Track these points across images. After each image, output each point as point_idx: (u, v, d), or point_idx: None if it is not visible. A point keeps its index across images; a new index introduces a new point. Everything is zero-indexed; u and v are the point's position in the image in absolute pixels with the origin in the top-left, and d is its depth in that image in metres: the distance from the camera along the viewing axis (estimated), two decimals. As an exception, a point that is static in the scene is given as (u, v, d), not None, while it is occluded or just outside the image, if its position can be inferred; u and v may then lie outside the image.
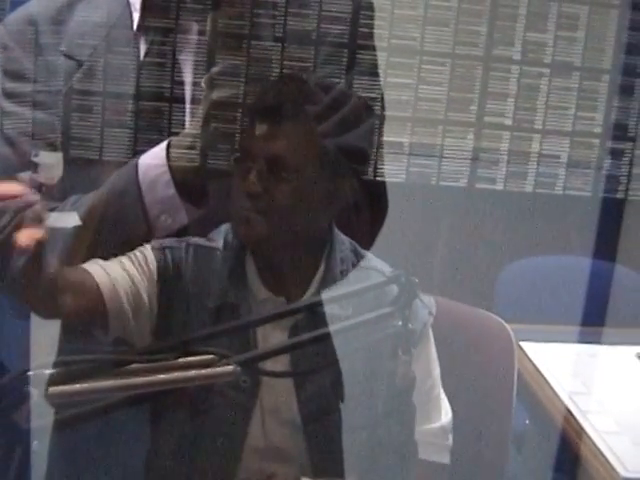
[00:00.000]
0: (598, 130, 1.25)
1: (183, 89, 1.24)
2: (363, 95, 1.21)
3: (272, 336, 1.22)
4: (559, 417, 1.75)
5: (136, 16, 1.25)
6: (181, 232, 1.25)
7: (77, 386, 0.96)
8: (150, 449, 1.26)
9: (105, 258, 1.21)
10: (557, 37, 1.21)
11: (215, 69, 1.19)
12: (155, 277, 1.22)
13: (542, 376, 1.86)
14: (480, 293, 1.97)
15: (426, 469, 1.28)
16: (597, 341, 2.00)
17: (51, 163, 1.24)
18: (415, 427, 1.24)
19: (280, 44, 1.20)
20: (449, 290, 1.57)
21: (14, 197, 1.05)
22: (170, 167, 1.21)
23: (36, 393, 0.94)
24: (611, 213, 1.61)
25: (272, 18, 1.19)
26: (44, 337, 1.21)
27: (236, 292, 1.23)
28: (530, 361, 1.90)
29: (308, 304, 1.21)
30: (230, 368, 1.02)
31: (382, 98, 1.23)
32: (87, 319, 1.20)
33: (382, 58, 1.22)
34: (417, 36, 1.21)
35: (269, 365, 1.18)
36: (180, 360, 1.01)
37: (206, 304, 1.23)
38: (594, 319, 2.01)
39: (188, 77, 1.24)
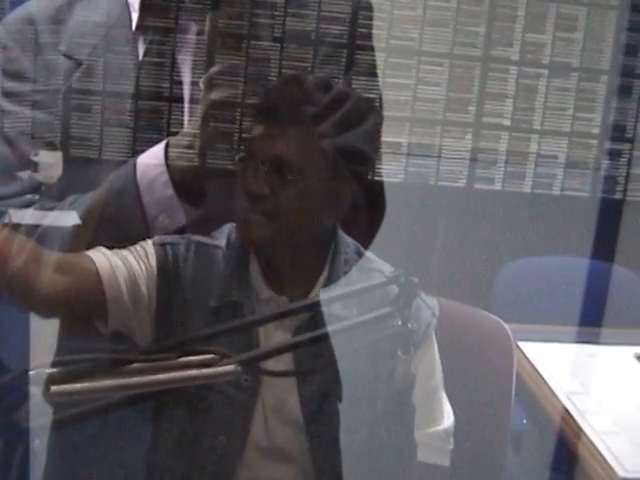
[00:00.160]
0: (596, 131, 1.25)
1: (182, 89, 1.24)
2: (363, 95, 1.21)
3: (275, 336, 1.22)
4: (557, 417, 1.75)
5: (135, 16, 1.25)
6: (179, 232, 1.25)
7: (78, 385, 0.96)
8: (151, 448, 1.26)
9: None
10: (555, 38, 1.21)
11: (213, 69, 1.19)
12: (155, 271, 1.21)
13: (540, 376, 1.86)
14: (478, 293, 1.97)
15: (426, 472, 1.28)
16: (595, 341, 2.00)
17: (51, 162, 1.24)
18: (414, 427, 1.25)
19: (279, 44, 1.20)
20: (447, 290, 1.56)
21: None
22: (168, 167, 1.21)
23: (37, 392, 0.94)
24: (609, 214, 1.61)
25: (271, 18, 1.19)
26: (44, 336, 1.21)
27: (239, 291, 1.23)
28: (528, 361, 1.90)
29: (311, 304, 1.21)
30: (231, 368, 1.02)
31: (380, 99, 1.23)
32: (85, 304, 1.19)
33: (381, 58, 1.22)
34: (416, 37, 1.21)
35: (271, 364, 1.19)
36: (181, 360, 1.01)
37: (208, 302, 1.23)
38: (592, 319, 2.01)
39: (187, 77, 1.24)
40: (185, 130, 1.22)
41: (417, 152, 1.25)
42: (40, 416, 0.98)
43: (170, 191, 1.22)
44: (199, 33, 1.21)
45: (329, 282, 1.24)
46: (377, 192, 1.31)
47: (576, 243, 2.27)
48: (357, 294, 1.24)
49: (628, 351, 2.01)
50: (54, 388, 0.94)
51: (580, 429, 1.69)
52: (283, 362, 1.21)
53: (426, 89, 1.23)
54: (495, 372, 1.56)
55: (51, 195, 1.26)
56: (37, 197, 1.27)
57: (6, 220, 1.25)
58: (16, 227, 1.25)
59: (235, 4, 1.20)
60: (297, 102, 1.17)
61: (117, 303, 1.18)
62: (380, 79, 1.23)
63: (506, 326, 1.59)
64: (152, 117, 1.22)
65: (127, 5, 1.26)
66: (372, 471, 1.24)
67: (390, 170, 1.25)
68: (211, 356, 1.01)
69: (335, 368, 1.22)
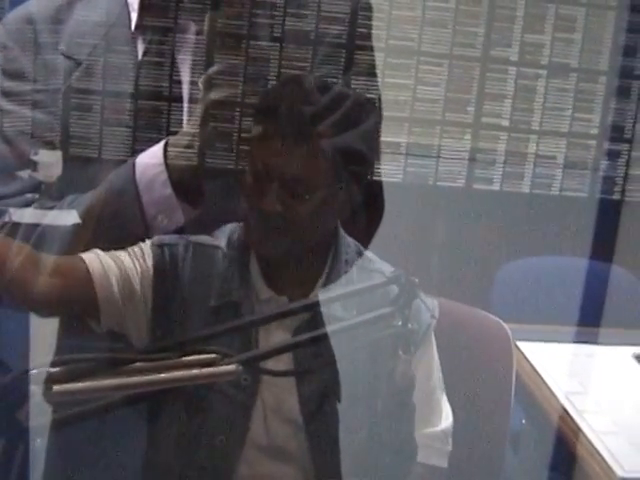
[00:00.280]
0: (595, 131, 1.25)
1: (181, 88, 1.24)
2: (361, 96, 1.21)
3: (275, 336, 1.22)
4: (556, 417, 1.75)
5: (134, 16, 1.25)
6: (178, 232, 1.25)
7: (79, 385, 0.96)
8: (150, 447, 1.27)
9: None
10: (554, 39, 1.21)
11: (213, 69, 1.19)
12: (151, 272, 1.21)
13: (539, 376, 1.86)
14: (477, 293, 1.98)
15: (423, 472, 1.28)
16: (594, 341, 2.01)
17: (50, 162, 1.24)
18: (415, 426, 1.25)
19: (278, 44, 1.20)
20: (446, 290, 1.56)
21: None
22: (167, 166, 1.21)
23: (38, 391, 0.94)
24: (607, 214, 1.61)
25: (270, 18, 1.19)
26: (44, 335, 1.21)
27: (239, 291, 1.23)
28: (527, 361, 1.90)
29: (311, 304, 1.21)
30: (232, 367, 1.02)
31: (379, 99, 1.23)
32: (78, 303, 1.20)
33: (380, 59, 1.22)
34: (415, 37, 1.21)
35: (271, 364, 1.19)
36: (182, 359, 1.01)
37: (208, 302, 1.23)
38: (591, 319, 2.01)
39: (186, 76, 1.24)
40: (184, 130, 1.22)
41: (416, 152, 1.25)
42: (42, 415, 0.98)
43: (169, 191, 1.22)
44: (198, 33, 1.21)
45: (329, 282, 1.24)
46: (376, 191, 1.31)
47: (575, 243, 2.28)
48: (357, 294, 1.24)
49: (627, 351, 2.01)
50: (56, 387, 0.94)
51: (579, 429, 1.69)
52: (283, 362, 1.21)
53: (425, 89, 1.23)
54: (494, 372, 1.56)
55: (51, 194, 1.26)
56: (37, 196, 1.27)
57: (6, 219, 1.25)
58: (16, 226, 1.25)
59: (234, 4, 1.20)
60: (306, 121, 1.16)
61: (109, 302, 1.19)
62: (379, 79, 1.23)
63: (505, 326, 1.59)
64: (151, 117, 1.22)
65: (126, 5, 1.26)
66: (373, 471, 1.25)
67: (389, 170, 1.25)
68: (212, 356, 1.02)
69: (335, 368, 1.23)
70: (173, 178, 1.22)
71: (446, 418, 1.30)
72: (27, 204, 1.27)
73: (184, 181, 1.22)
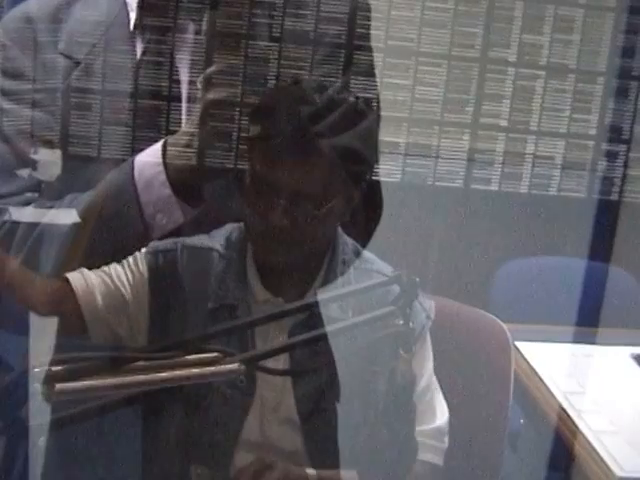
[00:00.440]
0: (593, 132, 1.25)
1: (179, 88, 1.24)
2: (359, 95, 1.21)
3: (271, 337, 1.22)
4: (554, 416, 1.75)
5: (133, 15, 1.25)
6: (177, 231, 1.26)
7: (82, 383, 0.96)
8: (146, 448, 1.27)
9: (102, 256, 1.22)
10: (553, 39, 1.21)
11: (211, 69, 1.19)
12: (146, 280, 1.22)
13: (537, 376, 1.86)
14: (475, 293, 1.97)
15: (418, 469, 1.28)
16: (592, 341, 2.01)
17: (50, 161, 1.25)
18: (415, 426, 1.25)
19: (277, 44, 1.20)
20: (444, 290, 1.57)
21: None
22: (166, 166, 1.21)
23: (41, 390, 0.95)
24: (605, 215, 1.61)
25: (269, 18, 1.20)
26: (44, 334, 1.21)
27: (236, 293, 1.23)
28: (525, 361, 1.90)
29: (305, 305, 1.21)
30: (235, 366, 1.02)
31: (378, 99, 1.23)
32: (65, 322, 1.21)
33: (379, 59, 1.22)
34: (414, 37, 1.21)
35: (270, 364, 1.19)
36: (184, 358, 1.01)
37: (205, 305, 1.23)
38: (589, 320, 2.01)
39: (184, 76, 1.24)
40: (183, 129, 1.22)
41: (415, 152, 1.25)
42: (45, 414, 0.99)
43: (168, 190, 1.22)
44: (197, 32, 1.21)
45: (326, 282, 1.24)
46: (375, 191, 1.31)
47: (573, 244, 2.28)
48: (357, 294, 1.24)
49: (625, 351, 2.01)
50: (58, 386, 0.94)
51: (577, 429, 1.69)
52: (280, 362, 1.22)
53: (424, 90, 1.23)
54: (493, 372, 1.56)
55: (50, 194, 1.26)
56: (37, 195, 1.27)
57: (6, 218, 1.25)
58: (15, 225, 1.25)
59: (233, 4, 1.20)
60: (313, 135, 1.16)
61: (96, 319, 1.21)
62: (378, 79, 1.23)
63: (504, 326, 1.59)
64: (150, 116, 1.22)
65: (125, 4, 1.26)
66: (374, 470, 1.24)
67: (388, 170, 1.25)
68: (214, 355, 1.02)
69: (333, 367, 1.23)
70: (172, 177, 1.22)
71: (441, 416, 1.31)
72: (27, 203, 1.27)
73: (183, 180, 1.22)
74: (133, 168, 1.22)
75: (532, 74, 1.23)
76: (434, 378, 1.31)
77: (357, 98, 1.20)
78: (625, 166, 1.26)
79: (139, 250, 1.24)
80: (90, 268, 1.22)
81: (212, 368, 1.02)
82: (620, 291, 2.25)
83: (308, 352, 1.23)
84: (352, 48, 1.21)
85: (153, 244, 1.24)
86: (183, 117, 1.24)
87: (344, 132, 1.17)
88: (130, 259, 1.23)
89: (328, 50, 1.21)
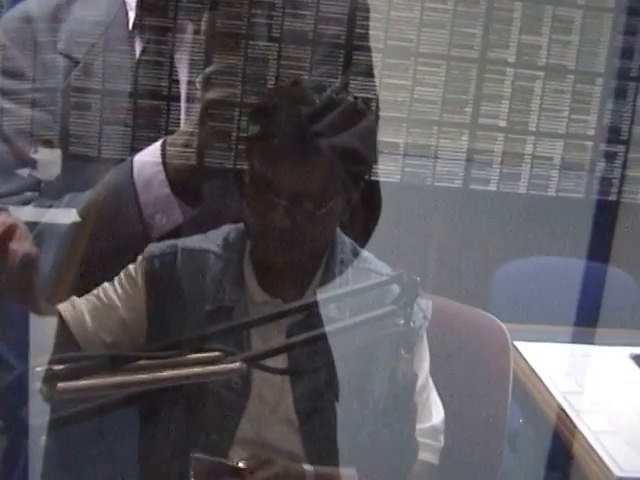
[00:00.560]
0: (591, 133, 1.25)
1: (178, 87, 1.24)
2: (358, 96, 1.21)
3: (269, 337, 1.22)
4: (553, 416, 1.75)
5: (132, 15, 1.25)
6: (177, 231, 1.26)
7: (83, 382, 0.96)
8: (142, 448, 1.27)
9: (101, 256, 1.22)
10: (551, 40, 1.21)
11: (210, 68, 1.19)
12: (143, 289, 1.23)
13: (536, 375, 1.86)
14: (474, 293, 1.98)
15: (414, 467, 1.28)
16: (590, 341, 2.01)
17: (50, 160, 1.25)
18: (415, 425, 1.25)
19: (276, 44, 1.20)
20: (444, 290, 1.57)
21: None
22: (165, 166, 1.21)
23: (43, 389, 0.94)
24: (604, 215, 1.62)
25: (268, 18, 1.20)
26: (45, 332, 1.22)
27: (233, 295, 1.23)
28: (524, 360, 1.90)
29: (304, 305, 1.21)
30: (236, 365, 1.02)
31: (377, 99, 1.23)
32: (62, 346, 1.22)
33: (378, 59, 1.22)
34: (413, 38, 1.21)
35: (269, 364, 1.19)
36: (186, 357, 1.01)
37: (203, 308, 1.23)
38: (587, 320, 2.02)
39: (183, 75, 1.24)
40: (182, 129, 1.22)
41: (414, 152, 1.25)
42: (46, 413, 0.99)
43: (167, 190, 1.22)
44: (195, 32, 1.21)
45: (324, 282, 1.24)
46: (373, 191, 1.31)
47: (571, 244, 2.28)
48: (356, 294, 1.24)
49: (623, 351, 2.01)
50: (60, 385, 0.94)
51: (576, 428, 1.69)
52: (279, 362, 1.22)
53: (423, 90, 1.23)
54: (492, 371, 1.56)
55: (50, 193, 1.26)
56: (37, 195, 1.28)
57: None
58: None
59: (233, 4, 1.20)
60: (313, 136, 1.16)
61: (89, 342, 1.22)
62: (377, 80, 1.23)
63: (503, 325, 1.59)
64: (149, 116, 1.22)
65: (124, 4, 1.26)
66: (376, 470, 1.24)
67: (387, 170, 1.25)
68: (215, 354, 1.02)
69: (332, 367, 1.23)
70: (171, 177, 1.22)
71: (436, 415, 1.30)
72: (26, 202, 1.27)
73: (182, 180, 1.22)
74: (132, 168, 1.22)
75: (531, 75, 1.23)
76: (429, 377, 1.31)
77: (356, 98, 1.20)
78: (623, 167, 1.26)
79: (138, 249, 1.24)
80: (89, 268, 1.22)
81: (213, 367, 1.02)
82: (619, 291, 2.25)
83: (307, 352, 1.23)
84: (351, 48, 1.21)
85: (149, 250, 1.24)
86: (182, 117, 1.24)
87: (343, 132, 1.17)
88: (122, 273, 1.24)
89: (327, 50, 1.21)
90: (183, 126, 1.23)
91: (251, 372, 1.20)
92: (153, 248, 1.24)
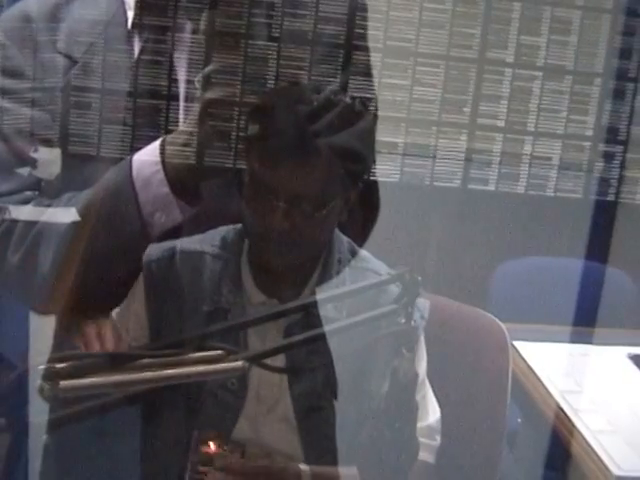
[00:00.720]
0: (589, 133, 1.25)
1: (177, 87, 1.24)
2: (356, 96, 1.21)
3: (267, 338, 1.22)
4: (552, 416, 1.76)
5: (130, 14, 1.25)
6: (176, 230, 1.26)
7: (85, 380, 0.96)
8: (140, 448, 1.27)
9: (100, 256, 1.22)
10: (550, 41, 1.21)
11: (209, 68, 1.19)
12: (143, 295, 1.25)
13: (535, 375, 1.87)
14: (473, 293, 1.98)
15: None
16: (589, 341, 2.01)
17: (49, 159, 1.25)
18: (416, 424, 1.25)
19: (275, 44, 1.20)
20: (443, 289, 1.57)
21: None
22: (164, 165, 1.21)
23: (46, 387, 0.95)
24: (602, 215, 1.62)
25: (267, 18, 1.20)
26: (46, 332, 1.22)
27: (231, 296, 1.24)
28: (523, 360, 1.91)
29: (301, 306, 1.21)
30: (238, 364, 1.02)
31: (375, 99, 1.23)
32: None
33: (378, 59, 1.22)
34: (412, 38, 1.21)
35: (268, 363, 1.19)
36: (188, 356, 1.01)
37: (201, 308, 1.24)
38: (586, 320, 2.02)
39: (182, 75, 1.24)
40: (180, 128, 1.22)
41: (413, 152, 1.26)
42: (47, 411, 0.99)
43: (166, 189, 1.22)
44: (194, 31, 1.21)
45: (321, 282, 1.24)
46: (372, 191, 1.31)
47: (570, 244, 2.28)
48: (352, 295, 1.24)
49: (621, 351, 2.01)
50: (62, 383, 0.94)
51: (574, 427, 1.70)
52: (278, 362, 1.22)
53: (422, 90, 1.23)
54: (491, 371, 1.56)
55: (50, 192, 1.26)
56: (37, 194, 1.28)
57: (6, 216, 1.25)
58: (14, 223, 1.26)
59: (232, 3, 1.20)
60: (312, 138, 1.16)
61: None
62: (377, 80, 1.23)
63: (502, 325, 1.59)
64: (148, 115, 1.22)
65: (123, 3, 1.26)
66: (377, 469, 1.24)
67: (386, 170, 1.25)
68: (217, 352, 1.02)
69: (330, 366, 1.23)
70: (170, 176, 1.22)
71: (433, 414, 1.31)
72: (26, 201, 1.27)
73: (181, 179, 1.22)
74: (131, 167, 1.22)
75: (529, 75, 1.23)
76: (426, 377, 1.31)
77: (354, 98, 1.20)
78: (622, 167, 1.26)
79: (137, 248, 1.24)
80: (89, 267, 1.22)
81: (215, 366, 1.02)
82: (617, 291, 2.25)
83: (306, 351, 1.23)
84: (349, 48, 1.21)
85: (147, 253, 1.25)
86: (180, 116, 1.24)
87: (341, 131, 1.17)
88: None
89: (325, 50, 1.21)
90: (182, 125, 1.23)
91: (248, 372, 1.20)
92: (152, 251, 1.25)
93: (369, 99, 1.22)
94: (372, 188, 1.30)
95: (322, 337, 1.13)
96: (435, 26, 1.21)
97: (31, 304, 1.28)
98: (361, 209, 1.27)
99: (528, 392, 1.84)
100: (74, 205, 1.23)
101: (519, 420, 1.93)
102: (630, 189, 1.27)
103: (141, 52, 1.24)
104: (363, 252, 1.30)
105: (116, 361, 1.00)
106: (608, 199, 1.27)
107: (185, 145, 1.21)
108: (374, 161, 1.24)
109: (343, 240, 1.28)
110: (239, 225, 1.26)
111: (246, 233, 1.25)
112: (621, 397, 1.83)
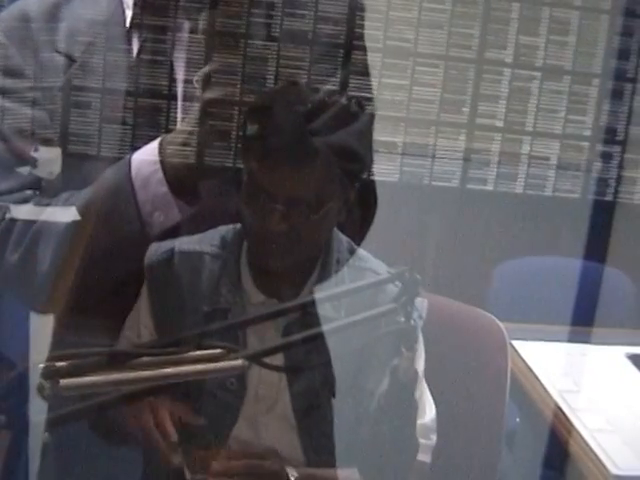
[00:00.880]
0: (588, 133, 1.26)
1: (175, 86, 1.25)
2: (354, 95, 1.22)
3: (265, 338, 1.23)
4: (550, 415, 1.76)
5: (129, 13, 1.25)
6: (175, 229, 1.26)
7: (86, 379, 0.96)
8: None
9: (99, 255, 1.22)
10: (548, 41, 1.22)
11: (209, 67, 1.19)
12: (147, 297, 1.26)
13: (533, 374, 1.87)
14: (471, 292, 1.98)
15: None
16: (587, 341, 2.01)
17: (50, 158, 1.25)
18: (416, 424, 1.25)
19: (274, 43, 1.20)
20: (442, 288, 1.57)
21: None
22: (162, 164, 1.21)
23: (46, 386, 0.95)
24: (600, 215, 1.62)
25: (266, 17, 1.20)
26: (46, 330, 1.22)
27: (230, 296, 1.24)
28: (521, 359, 1.91)
29: (299, 305, 1.22)
30: (238, 362, 1.02)
31: (372, 98, 1.23)
32: None
33: (377, 59, 1.22)
34: (411, 38, 1.22)
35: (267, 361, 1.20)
36: (188, 354, 1.02)
37: (201, 309, 1.24)
38: (584, 319, 2.02)
39: (180, 74, 1.24)
40: (179, 128, 1.23)
41: (412, 152, 1.26)
42: (51, 409, 0.99)
43: (165, 188, 1.22)
44: (192, 31, 1.21)
45: (320, 282, 1.25)
46: (369, 190, 1.31)
47: (568, 244, 2.28)
48: (354, 292, 1.24)
49: (619, 351, 2.02)
50: (62, 381, 0.94)
51: (573, 427, 1.70)
52: (276, 362, 1.22)
53: (421, 90, 1.23)
54: (490, 370, 1.57)
55: (50, 191, 1.26)
56: (37, 193, 1.28)
57: (6, 215, 1.26)
58: (13, 222, 1.26)
59: (231, 3, 1.20)
60: (311, 140, 1.16)
61: None
62: (376, 79, 1.23)
63: (501, 325, 1.59)
64: (146, 115, 1.23)
65: (121, 2, 1.26)
66: (377, 468, 1.24)
67: (385, 170, 1.26)
68: (218, 351, 1.02)
69: (328, 365, 1.23)
70: (169, 176, 1.22)
71: (429, 413, 1.30)
72: (25, 200, 1.27)
73: (180, 178, 1.22)
74: (130, 166, 1.22)
75: (528, 75, 1.23)
76: (423, 376, 1.32)
77: (352, 97, 1.20)
78: (620, 167, 1.27)
79: (137, 247, 1.24)
80: (88, 266, 1.22)
81: (215, 364, 1.02)
82: (615, 291, 2.26)
83: (305, 350, 1.23)
84: (347, 48, 1.21)
85: (148, 255, 1.25)
86: (179, 115, 1.24)
87: (340, 130, 1.17)
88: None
89: (323, 49, 1.21)
90: (181, 124, 1.23)
91: (247, 372, 1.20)
92: (151, 254, 1.25)
93: (367, 98, 1.22)
94: (369, 187, 1.30)
95: (321, 336, 1.13)
96: (434, 26, 1.21)
97: (30, 303, 1.28)
98: (358, 208, 1.27)
99: (526, 391, 1.84)
100: (73, 204, 1.23)
101: (517, 419, 1.93)
102: (628, 189, 1.27)
103: (139, 51, 1.24)
104: (362, 252, 1.30)
105: (116, 359, 1.00)
106: (606, 199, 1.28)
107: (184, 144, 1.21)
108: (372, 161, 1.24)
109: (342, 240, 1.28)
110: (239, 225, 1.26)
111: (244, 233, 1.25)
112: (619, 396, 1.83)
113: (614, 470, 1.58)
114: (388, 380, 1.19)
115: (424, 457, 1.29)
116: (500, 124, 1.24)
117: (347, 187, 1.21)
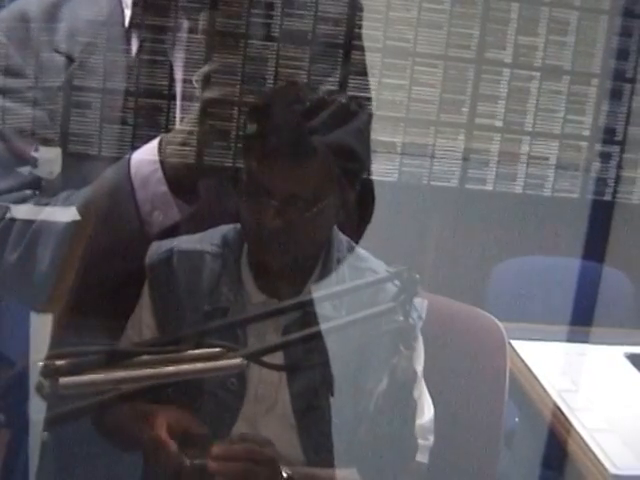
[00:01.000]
0: (587, 133, 1.26)
1: (174, 86, 1.25)
2: (352, 94, 1.22)
3: (265, 337, 1.23)
4: (549, 414, 1.76)
5: (128, 13, 1.25)
6: (175, 229, 1.26)
7: (85, 377, 0.96)
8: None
9: (99, 254, 1.22)
10: (548, 41, 1.22)
11: (208, 67, 1.19)
12: (149, 297, 1.26)
13: (532, 374, 1.87)
14: (471, 292, 1.98)
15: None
16: (586, 340, 2.02)
17: (49, 158, 1.25)
18: (415, 423, 1.25)
19: (274, 43, 1.20)
20: (441, 288, 1.57)
21: None
22: (162, 163, 1.22)
23: (45, 384, 0.95)
24: (599, 215, 1.62)
25: (266, 17, 1.20)
26: (45, 329, 1.22)
27: (231, 296, 1.24)
28: (520, 359, 1.91)
29: (299, 304, 1.22)
30: (238, 361, 1.03)
31: (370, 98, 1.23)
32: None
33: (376, 59, 1.22)
34: (410, 38, 1.22)
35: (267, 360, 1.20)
36: (188, 353, 1.02)
37: (202, 308, 1.24)
38: (583, 319, 2.02)
39: (179, 74, 1.24)
40: (178, 127, 1.23)
41: (411, 152, 1.26)
42: (50, 408, 0.99)
43: (164, 187, 1.22)
44: (192, 31, 1.21)
45: (320, 282, 1.25)
46: (367, 189, 1.31)
47: (567, 243, 2.28)
48: (355, 291, 1.24)
49: (618, 350, 2.02)
50: (62, 380, 0.94)
51: (571, 426, 1.70)
52: (276, 360, 1.22)
53: (420, 90, 1.24)
54: (488, 370, 1.57)
55: (50, 191, 1.26)
56: (37, 192, 1.28)
57: (6, 215, 1.26)
58: (12, 222, 1.26)
59: (231, 3, 1.20)
60: (308, 137, 1.16)
61: None
62: (376, 79, 1.23)
63: (500, 324, 1.59)
64: (146, 114, 1.23)
65: (120, 2, 1.26)
66: (375, 467, 1.24)
67: (385, 170, 1.26)
68: (218, 349, 1.02)
69: (328, 365, 1.23)
70: (168, 175, 1.22)
71: (427, 413, 1.30)
72: (25, 200, 1.27)
73: (179, 178, 1.22)
74: (129, 165, 1.22)
75: (527, 75, 1.23)
76: (422, 376, 1.32)
77: (350, 97, 1.20)
78: (618, 167, 1.27)
79: (136, 246, 1.25)
80: (88, 265, 1.22)
81: (215, 363, 1.02)
82: (614, 291, 2.26)
83: (305, 349, 1.23)
84: (345, 48, 1.21)
85: (148, 255, 1.25)
86: (177, 115, 1.24)
87: (338, 129, 1.17)
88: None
89: (322, 49, 1.21)
90: (180, 124, 1.23)
91: (247, 371, 1.21)
92: (151, 254, 1.25)
93: (365, 98, 1.22)
94: (367, 186, 1.31)
95: (320, 335, 1.13)
96: (433, 26, 1.21)
97: (30, 303, 1.28)
98: (356, 208, 1.27)
99: (525, 391, 1.85)
100: (72, 203, 1.23)
101: (516, 419, 1.93)
102: (627, 189, 1.27)
103: (139, 51, 1.24)
104: (362, 251, 1.30)
105: (115, 358, 1.00)
106: (605, 199, 1.28)
107: (183, 144, 1.21)
108: (371, 160, 1.24)
109: (342, 239, 1.29)
110: (239, 224, 1.26)
111: (243, 232, 1.25)
112: (618, 396, 1.83)
113: (613, 470, 1.58)
114: (387, 379, 1.19)
115: (421, 458, 1.29)
116: (499, 124, 1.25)
117: (346, 187, 1.21)
